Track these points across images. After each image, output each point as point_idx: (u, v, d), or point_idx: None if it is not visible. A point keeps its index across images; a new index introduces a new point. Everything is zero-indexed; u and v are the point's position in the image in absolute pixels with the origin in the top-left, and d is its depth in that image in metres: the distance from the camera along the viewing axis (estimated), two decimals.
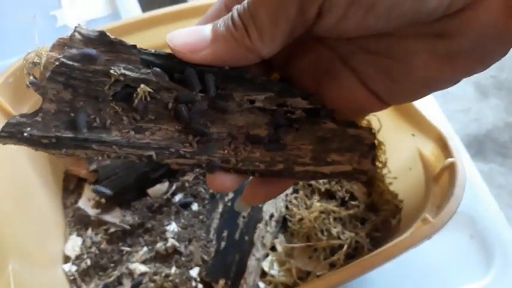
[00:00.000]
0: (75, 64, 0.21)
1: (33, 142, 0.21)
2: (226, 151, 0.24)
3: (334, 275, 0.29)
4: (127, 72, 0.22)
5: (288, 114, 0.24)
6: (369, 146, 0.26)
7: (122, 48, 0.22)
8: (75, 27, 0.21)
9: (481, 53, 0.21)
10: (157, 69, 0.22)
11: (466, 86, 1.31)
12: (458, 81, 0.23)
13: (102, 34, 0.21)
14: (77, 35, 0.21)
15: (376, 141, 0.26)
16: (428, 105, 0.36)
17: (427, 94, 0.24)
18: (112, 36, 0.22)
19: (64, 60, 0.21)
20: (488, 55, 0.21)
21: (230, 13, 0.21)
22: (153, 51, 0.23)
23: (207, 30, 0.21)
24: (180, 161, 0.23)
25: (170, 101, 0.22)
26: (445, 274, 0.44)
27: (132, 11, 0.59)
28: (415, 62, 0.22)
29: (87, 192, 0.43)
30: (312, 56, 0.25)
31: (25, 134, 0.21)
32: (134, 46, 0.22)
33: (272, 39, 0.21)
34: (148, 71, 0.22)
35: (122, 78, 0.21)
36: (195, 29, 0.22)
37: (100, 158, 0.22)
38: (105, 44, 0.21)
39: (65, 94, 0.21)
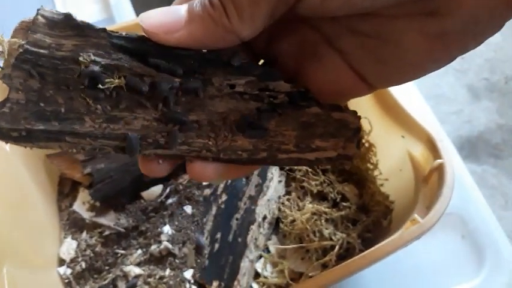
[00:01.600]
0: (41, 51, 0.19)
1: (1, 135, 0.20)
2: (206, 140, 0.22)
3: (326, 275, 0.30)
4: (97, 59, 0.20)
5: (270, 99, 0.23)
6: (354, 131, 0.24)
7: (91, 32, 0.20)
8: (38, 9, 0.20)
9: (473, 31, 0.20)
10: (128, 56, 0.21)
11: (458, 89, 1.32)
12: (451, 60, 0.21)
13: (67, 17, 0.20)
14: (40, 19, 0.19)
15: (360, 125, 0.25)
16: (419, 107, 0.37)
17: (417, 77, 0.22)
18: (79, 19, 0.20)
19: (28, 46, 0.19)
20: (481, 32, 0.20)
21: None
22: (124, 34, 0.21)
23: (182, 9, 0.20)
24: (159, 151, 0.22)
25: (145, 87, 0.21)
26: (437, 274, 0.44)
27: (127, 15, 0.59)
28: (404, 42, 0.21)
29: (82, 196, 0.44)
30: (296, 38, 0.24)
31: None
32: (104, 29, 0.20)
33: (252, 20, 0.19)
34: (120, 55, 0.21)
35: (92, 63, 0.20)
36: (170, 9, 0.20)
37: (74, 150, 0.21)
38: (72, 27, 0.20)
39: (32, 83, 0.19)
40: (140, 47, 0.21)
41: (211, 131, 0.22)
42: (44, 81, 0.20)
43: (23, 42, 0.19)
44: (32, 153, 0.42)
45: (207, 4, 0.19)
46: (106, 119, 0.21)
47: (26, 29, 0.20)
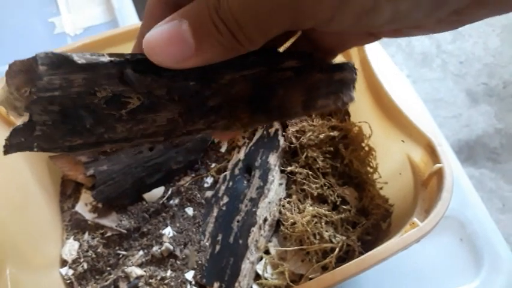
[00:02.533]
0: (54, 93, 0.19)
1: (48, 151, 0.20)
2: (227, 120, 0.24)
3: (326, 277, 0.30)
4: (113, 88, 0.20)
5: (278, 76, 0.24)
6: (352, 85, 0.27)
7: (96, 66, 0.20)
8: (36, 56, 0.19)
9: None
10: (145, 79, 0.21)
11: (457, 93, 1.33)
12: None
13: (67, 59, 0.19)
14: (41, 68, 0.19)
15: (357, 75, 0.27)
16: (418, 111, 0.37)
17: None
18: (79, 60, 0.20)
19: (41, 94, 0.19)
20: None
21: (207, 12, 0.18)
22: (128, 57, 0.21)
23: (187, 35, 0.18)
24: (187, 138, 0.24)
25: (163, 93, 0.21)
26: (435, 277, 0.45)
27: (130, 18, 0.60)
28: None
29: (84, 197, 0.44)
30: None
31: (35, 149, 0.20)
32: (110, 61, 0.20)
33: (263, 40, 0.19)
34: (133, 79, 0.21)
35: (110, 94, 0.20)
36: (173, 35, 0.18)
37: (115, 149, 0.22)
38: (76, 67, 0.20)
39: (53, 107, 0.20)
40: (150, 67, 0.21)
41: (230, 111, 0.24)
42: (65, 106, 0.20)
43: (33, 90, 0.19)
44: (34, 155, 0.42)
45: (214, 32, 0.18)
46: (135, 123, 0.21)
47: (25, 71, 0.19)
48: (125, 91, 0.21)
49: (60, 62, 0.19)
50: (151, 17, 0.21)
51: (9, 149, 0.20)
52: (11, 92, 0.19)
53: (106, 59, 0.20)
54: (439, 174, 0.34)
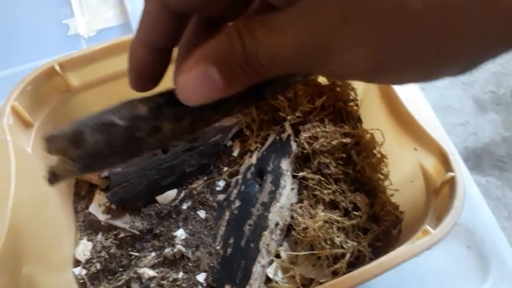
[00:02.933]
0: (99, 145, 0.20)
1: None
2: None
3: (337, 283, 0.31)
4: (149, 126, 0.21)
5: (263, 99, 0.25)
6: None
7: (136, 118, 0.21)
8: (80, 129, 0.20)
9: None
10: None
11: (465, 101, 1.33)
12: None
13: (110, 124, 0.21)
14: (88, 138, 0.20)
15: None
16: (429, 120, 0.38)
17: None
18: (120, 122, 0.21)
19: (78, 169, 0.21)
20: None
21: (233, 58, 0.19)
22: (161, 100, 0.22)
23: (217, 78, 0.19)
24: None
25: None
26: (443, 284, 0.45)
27: None
28: None
29: (98, 198, 0.45)
30: None
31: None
32: (148, 111, 0.21)
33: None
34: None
35: (146, 132, 0.21)
36: (205, 81, 0.19)
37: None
38: (117, 126, 0.21)
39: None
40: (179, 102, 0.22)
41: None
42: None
43: (75, 170, 0.21)
44: (51, 156, 0.43)
45: (242, 74, 0.19)
46: (164, 136, 0.22)
47: (70, 140, 0.20)
48: (158, 123, 0.22)
49: (104, 128, 0.20)
50: (153, 26, 0.22)
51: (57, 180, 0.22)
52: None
53: (143, 111, 0.21)
54: (451, 182, 0.34)
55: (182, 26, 0.22)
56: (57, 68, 0.39)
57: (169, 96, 0.22)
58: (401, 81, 0.19)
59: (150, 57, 0.23)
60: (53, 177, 0.22)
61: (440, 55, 0.16)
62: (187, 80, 0.19)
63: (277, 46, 0.18)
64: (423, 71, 0.17)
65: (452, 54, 0.16)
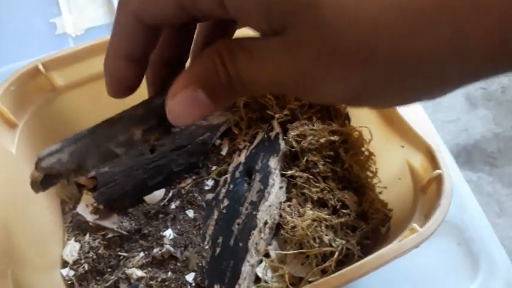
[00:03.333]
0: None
1: None
2: None
3: (325, 282, 0.31)
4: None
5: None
6: None
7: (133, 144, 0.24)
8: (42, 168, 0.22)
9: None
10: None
11: (456, 97, 1.33)
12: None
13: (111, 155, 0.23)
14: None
15: None
16: (417, 116, 0.38)
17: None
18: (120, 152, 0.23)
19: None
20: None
21: (218, 81, 0.20)
22: (153, 122, 0.23)
23: (204, 99, 0.21)
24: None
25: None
26: (433, 280, 0.45)
27: None
28: None
29: (86, 198, 0.44)
30: None
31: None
32: (142, 135, 0.23)
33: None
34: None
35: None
36: (194, 103, 0.21)
37: None
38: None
39: None
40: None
41: None
42: None
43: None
44: (36, 156, 0.42)
45: (226, 95, 0.21)
46: None
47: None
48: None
49: (104, 158, 0.23)
50: (127, 39, 0.22)
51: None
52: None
53: (138, 136, 0.23)
54: (438, 180, 0.34)
55: (156, 36, 0.23)
56: (40, 67, 0.38)
57: (162, 116, 0.22)
58: (384, 105, 0.20)
59: (125, 68, 0.23)
60: (37, 186, 0.23)
61: (406, 89, 0.17)
62: (178, 103, 0.21)
63: (258, 75, 0.19)
64: (400, 98, 0.18)
65: (415, 89, 0.17)
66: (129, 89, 0.24)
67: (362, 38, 0.16)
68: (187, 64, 0.25)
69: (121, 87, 0.24)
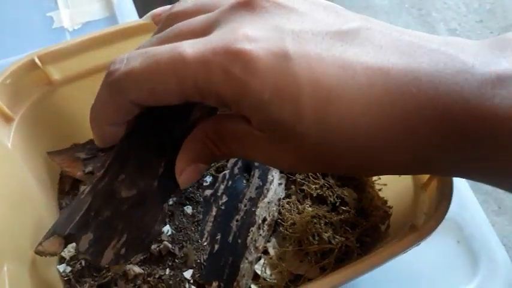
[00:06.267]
0: None
1: None
2: None
3: (325, 280, 0.30)
4: None
5: None
6: None
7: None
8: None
9: None
10: None
11: None
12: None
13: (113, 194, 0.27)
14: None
15: None
16: None
17: None
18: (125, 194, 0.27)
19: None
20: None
21: (211, 156, 0.26)
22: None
23: (202, 167, 0.27)
24: None
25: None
26: (433, 278, 0.45)
27: (129, 14, 0.59)
28: None
29: None
30: None
31: None
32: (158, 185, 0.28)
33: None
34: None
35: None
36: (195, 172, 0.27)
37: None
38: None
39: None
40: None
41: None
42: None
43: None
44: (32, 151, 0.42)
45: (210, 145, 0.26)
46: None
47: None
48: None
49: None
50: (116, 112, 0.26)
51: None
52: None
53: (154, 186, 0.28)
54: (439, 177, 0.34)
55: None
56: (37, 60, 0.38)
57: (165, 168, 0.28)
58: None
59: (112, 130, 0.27)
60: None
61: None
62: (185, 177, 0.27)
63: (246, 154, 0.25)
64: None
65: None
66: (116, 140, 0.28)
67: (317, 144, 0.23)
68: None
69: (108, 142, 0.28)
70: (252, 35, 0.21)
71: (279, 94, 0.21)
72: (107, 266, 0.27)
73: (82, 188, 0.30)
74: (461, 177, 0.25)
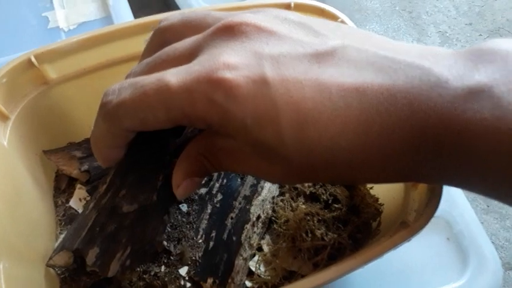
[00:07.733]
0: None
1: None
2: None
3: (318, 275, 0.31)
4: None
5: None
6: None
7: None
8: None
9: None
10: None
11: None
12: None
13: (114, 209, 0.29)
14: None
15: None
16: None
17: None
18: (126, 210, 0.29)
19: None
20: None
21: (206, 171, 0.28)
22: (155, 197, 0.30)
23: (198, 180, 0.29)
24: None
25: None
26: (423, 275, 0.46)
27: (124, 15, 0.60)
28: None
29: (79, 192, 0.44)
30: None
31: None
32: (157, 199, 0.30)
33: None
34: None
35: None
36: (191, 185, 0.29)
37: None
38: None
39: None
40: None
41: None
42: None
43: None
44: (28, 149, 0.42)
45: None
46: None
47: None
48: None
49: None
50: (114, 139, 0.28)
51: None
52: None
53: (154, 199, 0.29)
54: None
55: None
56: (33, 59, 0.38)
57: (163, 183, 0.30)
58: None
59: (112, 152, 0.29)
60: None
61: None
62: (182, 191, 0.29)
63: (238, 168, 0.27)
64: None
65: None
66: (118, 159, 0.30)
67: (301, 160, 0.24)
68: None
69: (111, 163, 0.30)
70: (232, 63, 0.22)
71: (260, 119, 0.22)
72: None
73: (85, 201, 0.33)
74: (447, 185, 0.26)
